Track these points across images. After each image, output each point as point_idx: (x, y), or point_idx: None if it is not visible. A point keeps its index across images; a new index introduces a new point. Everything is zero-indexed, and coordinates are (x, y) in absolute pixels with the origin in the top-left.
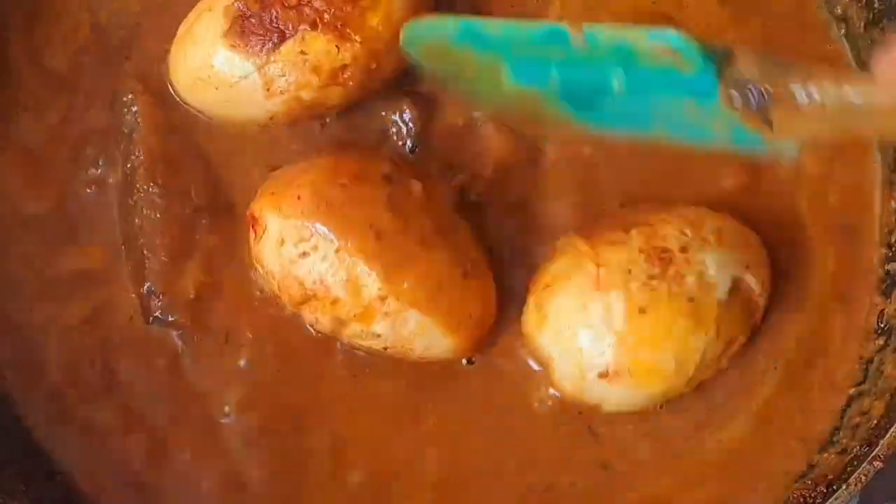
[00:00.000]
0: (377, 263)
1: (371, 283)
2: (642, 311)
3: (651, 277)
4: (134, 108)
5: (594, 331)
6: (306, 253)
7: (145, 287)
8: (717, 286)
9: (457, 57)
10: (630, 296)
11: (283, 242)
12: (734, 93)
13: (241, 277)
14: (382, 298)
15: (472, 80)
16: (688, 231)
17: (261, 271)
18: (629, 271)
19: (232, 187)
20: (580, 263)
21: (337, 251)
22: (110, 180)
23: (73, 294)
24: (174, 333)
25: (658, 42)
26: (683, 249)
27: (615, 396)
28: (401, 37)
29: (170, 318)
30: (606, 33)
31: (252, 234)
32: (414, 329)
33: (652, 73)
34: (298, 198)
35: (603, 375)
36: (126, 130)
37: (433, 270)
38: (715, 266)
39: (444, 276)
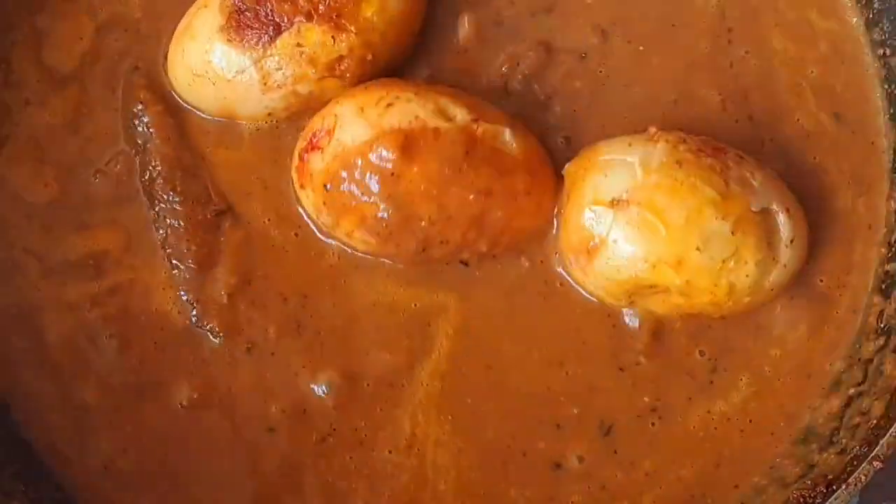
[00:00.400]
0: (459, 101)
1: (459, 112)
2: (678, 163)
3: (701, 150)
4: (145, 119)
5: (627, 167)
6: (391, 104)
7: (179, 294)
8: (756, 196)
9: None
10: (675, 150)
11: (362, 109)
12: None
13: (271, 274)
14: (475, 121)
15: None
16: (741, 153)
17: (335, 158)
18: (684, 141)
19: (249, 185)
20: (633, 140)
21: (417, 93)
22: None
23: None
24: (211, 338)
25: None
26: (739, 157)
27: (621, 231)
28: None
29: (206, 326)
30: None
31: (317, 150)
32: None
33: None
34: (366, 88)
35: (615, 203)
36: (140, 142)
37: (507, 116)
38: (760, 182)
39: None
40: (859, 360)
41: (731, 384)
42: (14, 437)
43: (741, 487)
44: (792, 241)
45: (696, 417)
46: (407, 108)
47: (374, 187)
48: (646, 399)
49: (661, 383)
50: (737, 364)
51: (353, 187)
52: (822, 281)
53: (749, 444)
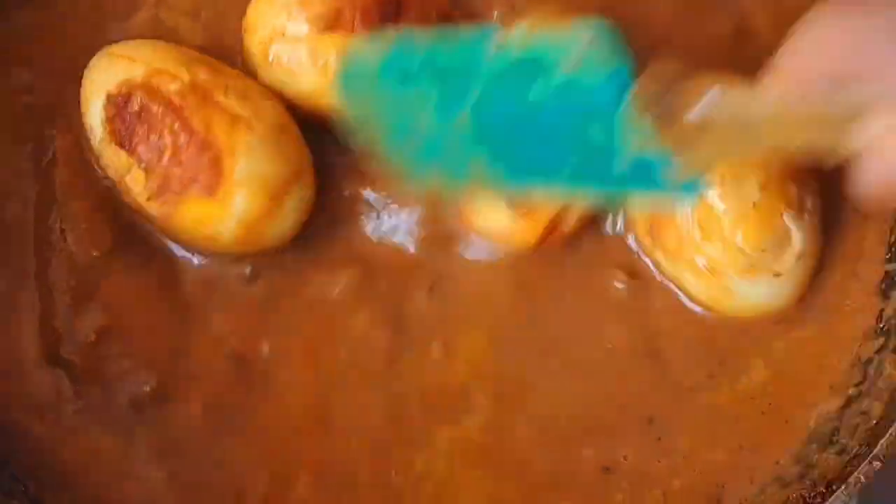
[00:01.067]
0: None
1: None
2: None
3: None
4: (54, 144)
5: None
6: None
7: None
8: None
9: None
10: None
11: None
12: (644, 99)
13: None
14: None
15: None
16: None
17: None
18: None
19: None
20: None
21: None
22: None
23: None
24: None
25: (581, 34)
26: None
27: None
28: (340, 79)
29: (69, 359)
30: (528, 30)
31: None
32: None
33: (567, 85)
34: None
35: None
36: (43, 165)
37: None
38: None
39: None
40: (859, 359)
41: (746, 364)
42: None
43: (755, 482)
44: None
45: (724, 393)
46: None
47: None
48: (676, 376)
49: (684, 358)
50: (747, 346)
51: None
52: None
53: (768, 430)
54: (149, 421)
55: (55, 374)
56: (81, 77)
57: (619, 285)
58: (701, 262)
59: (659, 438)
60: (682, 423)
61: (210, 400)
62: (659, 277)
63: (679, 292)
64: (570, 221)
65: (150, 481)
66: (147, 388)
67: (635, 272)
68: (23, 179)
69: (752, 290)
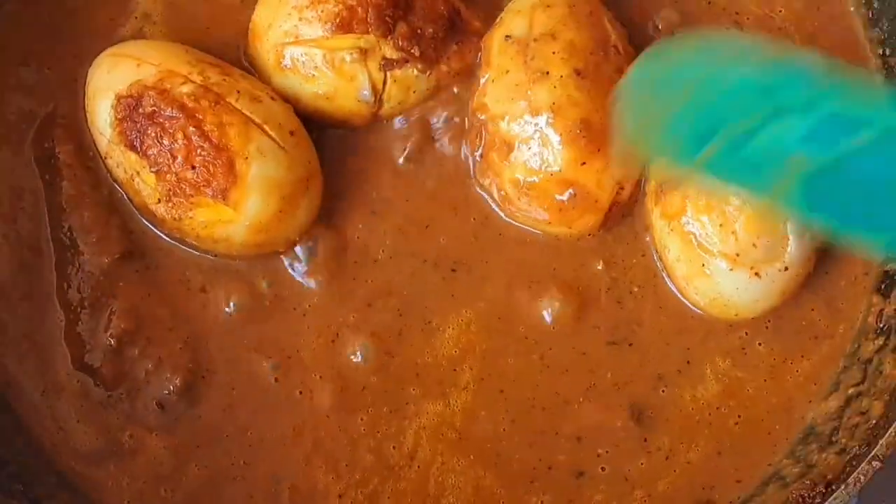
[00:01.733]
0: None
1: None
2: None
3: None
4: (55, 155)
5: None
6: None
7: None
8: None
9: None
10: None
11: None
12: None
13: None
14: None
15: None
16: None
17: None
18: None
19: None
20: None
21: None
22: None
23: None
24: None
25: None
26: None
27: None
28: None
29: (94, 366)
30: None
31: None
32: None
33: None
34: None
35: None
36: (48, 178)
37: None
38: None
39: None
40: (858, 360)
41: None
42: (14, 437)
43: (743, 483)
44: (786, 269)
45: (695, 390)
46: None
47: None
48: (650, 367)
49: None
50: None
51: None
52: (814, 309)
53: (747, 437)
54: (178, 419)
55: (84, 381)
56: (75, 85)
57: (598, 267)
58: (695, 229)
59: (645, 439)
60: (662, 417)
61: (234, 394)
62: (636, 260)
63: (659, 269)
64: (628, 190)
65: (184, 477)
66: (172, 388)
67: (612, 260)
68: (30, 193)
69: (726, 280)
